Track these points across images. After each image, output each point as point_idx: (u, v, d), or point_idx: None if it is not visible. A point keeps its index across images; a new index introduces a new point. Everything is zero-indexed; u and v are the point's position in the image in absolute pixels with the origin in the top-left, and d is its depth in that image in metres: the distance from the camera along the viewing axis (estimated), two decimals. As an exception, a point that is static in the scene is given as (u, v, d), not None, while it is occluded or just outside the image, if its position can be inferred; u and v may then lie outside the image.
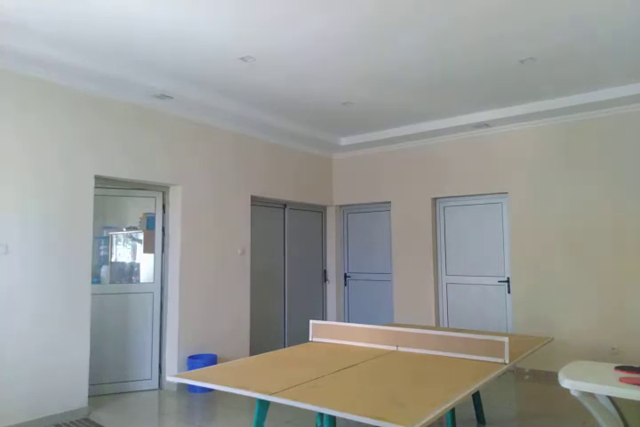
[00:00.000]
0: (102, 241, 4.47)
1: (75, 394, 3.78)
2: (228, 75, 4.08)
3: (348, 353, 3.07)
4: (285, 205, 6.12)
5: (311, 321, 3.54)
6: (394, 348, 3.19)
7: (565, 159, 4.95)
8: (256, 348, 5.51)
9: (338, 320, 6.56)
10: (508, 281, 5.32)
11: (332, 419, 2.37)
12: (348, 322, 6.56)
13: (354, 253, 6.62)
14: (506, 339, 2.79)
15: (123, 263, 4.56)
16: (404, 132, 5.66)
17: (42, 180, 3.69)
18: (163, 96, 4.27)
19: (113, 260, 4.51)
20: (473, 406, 3.85)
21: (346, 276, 6.67)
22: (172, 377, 2.52)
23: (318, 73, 4.06)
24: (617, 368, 2.59)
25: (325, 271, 6.66)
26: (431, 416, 1.86)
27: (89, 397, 4.17)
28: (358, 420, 1.87)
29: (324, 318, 6.61)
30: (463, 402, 3.98)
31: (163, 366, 4.61)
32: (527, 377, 4.96)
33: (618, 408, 2.61)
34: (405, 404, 2.01)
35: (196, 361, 4.49)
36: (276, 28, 3.26)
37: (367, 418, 1.85)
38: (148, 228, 4.67)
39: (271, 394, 2.16)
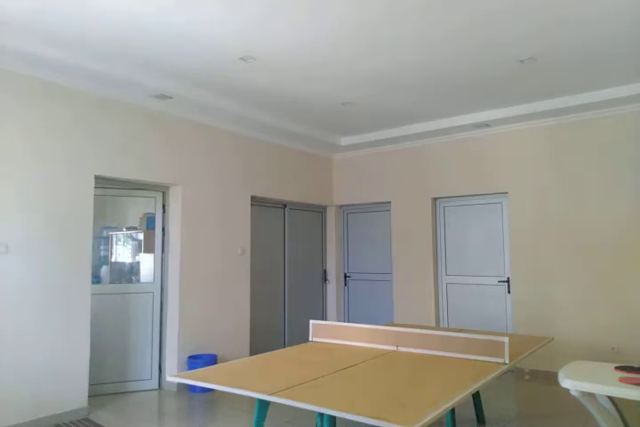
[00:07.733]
0: (102, 241, 4.47)
1: (75, 394, 3.78)
2: (228, 75, 4.08)
3: (348, 353, 3.07)
4: (285, 205, 6.11)
5: (311, 321, 3.55)
6: (394, 348, 3.19)
7: (565, 159, 4.95)
8: (256, 348, 5.51)
9: (338, 320, 6.56)
10: (507, 281, 5.32)
11: (332, 419, 2.37)
12: (348, 322, 6.56)
13: (354, 253, 6.62)
14: (506, 339, 2.79)
15: (123, 263, 4.56)
16: (404, 133, 5.65)
17: (43, 179, 3.69)
18: (163, 96, 4.27)
19: (113, 260, 4.51)
20: (473, 406, 3.86)
21: (346, 276, 6.67)
22: (172, 377, 2.52)
23: (318, 73, 4.05)
24: (617, 368, 2.59)
25: (325, 271, 6.66)
26: (431, 416, 1.86)
27: (89, 397, 4.18)
28: (358, 420, 1.87)
29: (324, 318, 6.61)
30: (463, 402, 3.98)
31: (163, 366, 4.61)
32: (527, 377, 4.96)
33: (618, 408, 2.61)
34: (405, 404, 2.01)
35: (196, 361, 4.49)
36: (277, 29, 3.26)
37: (367, 418, 1.85)
38: (147, 228, 4.67)
39: (271, 394, 2.16)
